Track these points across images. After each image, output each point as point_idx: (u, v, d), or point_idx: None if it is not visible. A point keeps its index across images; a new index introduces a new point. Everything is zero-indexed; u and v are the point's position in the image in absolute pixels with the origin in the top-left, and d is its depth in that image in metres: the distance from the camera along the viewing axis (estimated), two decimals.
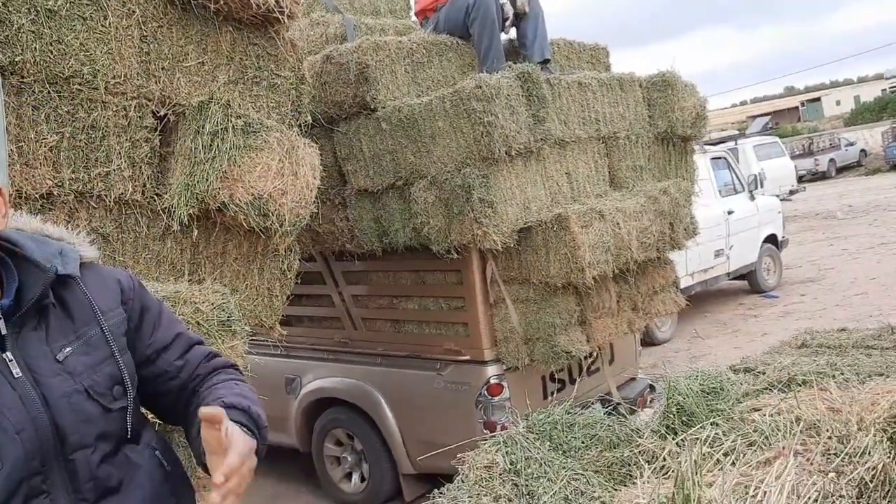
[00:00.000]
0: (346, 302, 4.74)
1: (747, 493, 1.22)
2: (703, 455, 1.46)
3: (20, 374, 1.22)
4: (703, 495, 1.13)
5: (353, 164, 4.04)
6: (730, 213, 8.78)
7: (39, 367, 1.24)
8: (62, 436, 1.23)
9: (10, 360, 1.22)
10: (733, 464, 1.41)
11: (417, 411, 4.27)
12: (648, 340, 7.62)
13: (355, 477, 4.94)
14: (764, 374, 1.80)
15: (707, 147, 9.25)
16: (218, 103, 2.68)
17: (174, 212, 2.63)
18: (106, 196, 2.54)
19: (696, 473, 1.15)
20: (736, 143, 14.05)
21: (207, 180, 2.60)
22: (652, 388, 5.15)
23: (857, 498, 1.21)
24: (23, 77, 2.35)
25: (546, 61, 4.37)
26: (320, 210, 3.14)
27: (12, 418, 1.18)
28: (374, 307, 4.65)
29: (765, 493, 1.21)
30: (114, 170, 2.55)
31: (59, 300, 1.31)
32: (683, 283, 6.38)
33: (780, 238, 9.99)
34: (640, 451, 1.58)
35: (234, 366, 1.57)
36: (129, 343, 1.40)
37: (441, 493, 1.50)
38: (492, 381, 4.00)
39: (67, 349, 1.28)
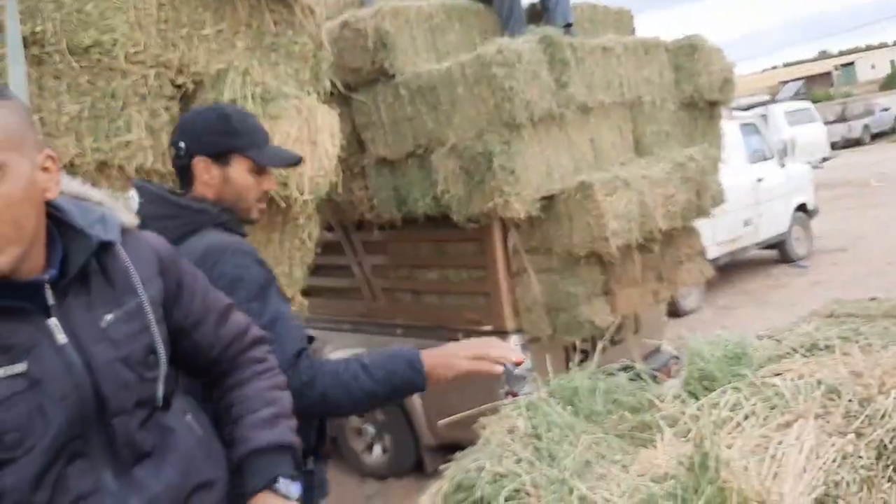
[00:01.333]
0: (366, 272, 4.74)
1: (766, 454, 1.20)
2: (724, 418, 1.45)
3: (65, 341, 1.23)
4: (721, 454, 1.12)
5: (372, 132, 4.02)
6: (759, 180, 8.62)
7: (83, 334, 1.25)
8: (103, 402, 1.25)
9: (56, 327, 1.23)
10: (753, 427, 1.39)
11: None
12: (674, 311, 7.56)
13: (377, 448, 4.98)
14: (787, 339, 1.77)
15: (736, 113, 9.08)
16: (236, 71, 2.68)
17: None
18: (127, 165, 2.55)
19: (716, 433, 1.14)
20: (766, 109, 13.80)
21: None
22: (677, 358, 5.11)
23: (876, 459, 1.19)
24: (44, 47, 2.36)
25: (569, 25, 4.30)
26: (340, 179, 3.13)
27: (57, 385, 1.20)
28: (394, 277, 4.65)
29: (784, 453, 1.19)
30: (134, 139, 2.56)
31: (101, 267, 1.32)
32: (710, 253, 6.30)
33: (810, 206, 9.81)
34: (661, 416, 1.56)
35: (261, 339, 1.57)
36: (165, 313, 1.41)
37: (463, 455, 1.50)
38: None
39: (109, 317, 1.29)
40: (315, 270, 3.48)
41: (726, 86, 4.89)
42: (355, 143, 4.08)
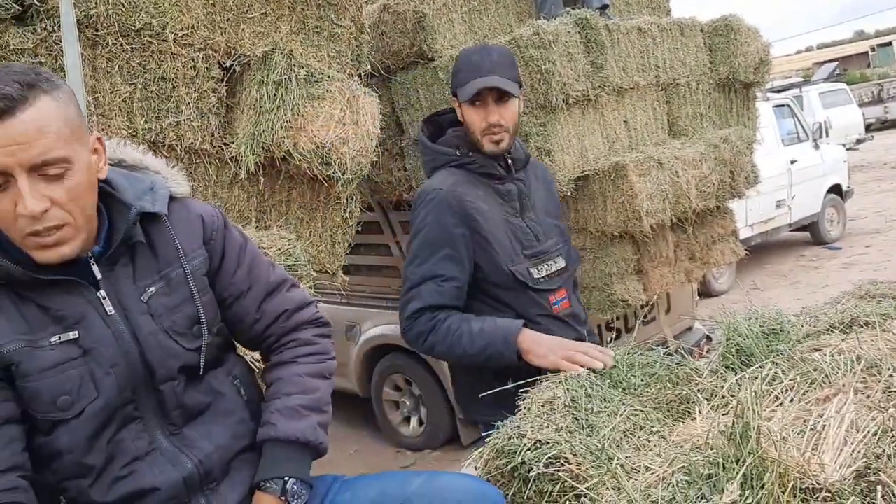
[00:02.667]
0: (404, 251, 4.82)
1: (806, 427, 1.25)
2: (763, 392, 1.49)
3: (112, 312, 1.29)
4: (763, 425, 1.16)
5: (411, 113, 4.07)
6: (793, 162, 8.54)
7: (129, 305, 1.31)
8: (150, 369, 1.31)
9: (104, 298, 1.29)
10: (792, 400, 1.43)
11: None
12: (706, 291, 7.55)
13: (413, 421, 5.09)
14: (825, 316, 1.80)
15: (770, 94, 8.98)
16: (281, 53, 2.74)
17: (241, 160, 2.72)
18: (177, 145, 2.64)
19: (757, 404, 1.19)
20: (801, 91, 13.58)
21: (272, 129, 2.68)
22: (708, 338, 5.14)
23: None
24: (97, 30, 2.44)
25: (605, 7, 4.29)
26: (379, 160, 3.20)
27: (106, 353, 1.27)
28: None
29: (823, 426, 1.23)
30: (184, 120, 2.64)
31: (147, 237, 1.36)
32: (743, 234, 6.28)
33: (844, 188, 9.69)
34: (699, 390, 1.60)
35: (312, 320, 1.56)
36: (209, 283, 1.44)
37: (504, 423, 1.56)
38: None
39: (151, 289, 1.33)
40: (354, 249, 3.56)
41: (762, 67, 4.86)
42: (394, 124, 4.13)
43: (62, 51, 2.28)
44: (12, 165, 1.14)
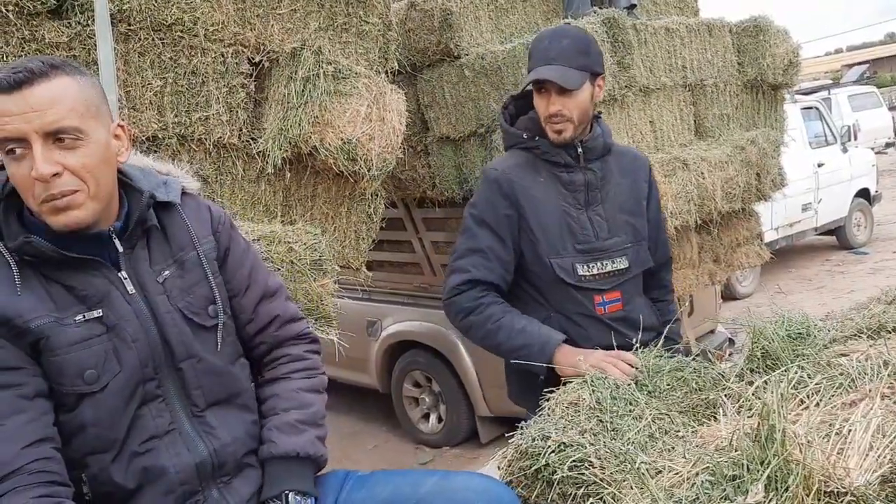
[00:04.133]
0: (426, 248, 4.84)
1: (832, 430, 1.24)
2: (788, 395, 1.48)
3: (133, 291, 1.36)
4: (788, 428, 1.16)
5: (436, 111, 4.08)
6: (820, 165, 8.44)
7: (147, 286, 1.38)
8: (170, 347, 1.37)
9: (125, 279, 1.36)
10: (818, 404, 1.43)
11: (495, 356, 4.35)
12: (729, 294, 7.50)
13: (433, 417, 5.11)
14: (852, 321, 1.79)
15: (798, 97, 8.88)
16: (310, 50, 2.76)
17: (268, 155, 2.74)
18: (206, 139, 2.67)
19: (782, 407, 1.18)
20: (829, 93, 13.40)
21: (300, 125, 2.70)
22: (731, 341, 5.11)
23: None
24: (130, 24, 2.47)
25: (632, 6, 4.27)
26: (404, 157, 3.22)
27: (129, 329, 1.33)
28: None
29: (849, 430, 1.23)
30: (213, 114, 2.67)
31: (161, 225, 1.44)
32: (767, 237, 6.23)
33: (872, 192, 9.57)
34: (725, 393, 1.60)
35: (302, 335, 1.62)
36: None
37: (528, 423, 1.56)
38: None
39: (165, 272, 1.41)
40: (377, 245, 3.58)
41: (791, 69, 4.82)
42: (419, 121, 4.15)
43: (95, 45, 2.32)
44: (28, 132, 1.21)
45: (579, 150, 2.07)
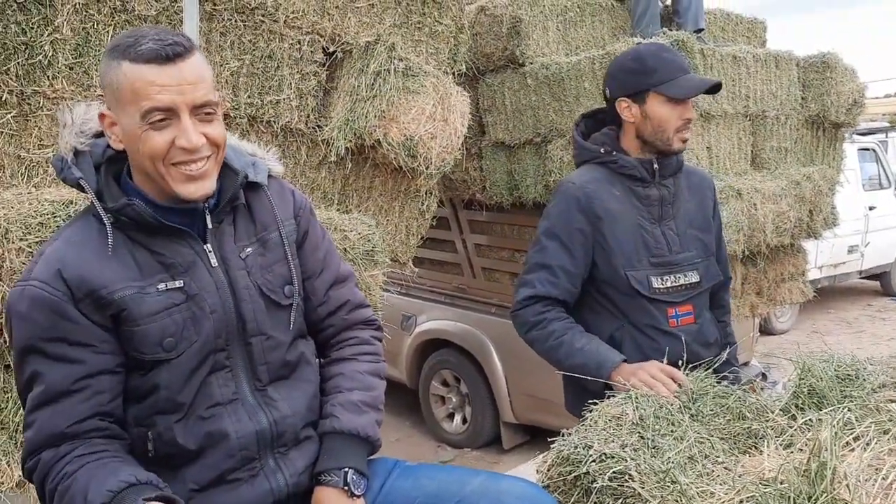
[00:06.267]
0: (469, 250, 4.87)
1: (878, 475, 1.25)
2: (834, 435, 1.48)
3: (216, 264, 1.41)
4: (839, 467, 1.17)
5: (494, 116, 4.12)
6: (871, 208, 8.31)
7: (230, 260, 1.42)
8: (243, 321, 1.42)
9: (210, 252, 1.40)
10: (864, 448, 1.43)
11: (526, 364, 4.38)
12: (766, 329, 7.41)
13: (457, 418, 5.14)
14: None
15: (855, 137, 8.73)
16: (383, 45, 2.81)
17: (332, 144, 2.79)
18: (274, 122, 2.73)
19: (835, 445, 1.19)
20: (886, 136, 13.15)
21: (366, 117, 2.75)
22: (764, 376, 5.05)
23: None
24: (215, 4, 2.54)
25: (700, 30, 4.26)
26: (462, 158, 3.26)
27: (209, 299, 1.38)
28: (495, 258, 4.77)
29: None
30: (283, 99, 2.73)
31: (248, 203, 1.48)
32: (810, 276, 6.14)
33: None
34: (769, 426, 1.61)
35: (370, 321, 1.66)
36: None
37: (570, 432, 1.59)
38: None
39: (248, 249, 1.45)
40: (421, 242, 3.63)
41: (854, 108, 4.76)
42: (476, 124, 4.18)
43: (182, 21, 2.39)
44: (179, 104, 1.27)
45: (655, 165, 2.11)
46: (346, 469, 1.42)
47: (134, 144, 1.30)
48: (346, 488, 1.41)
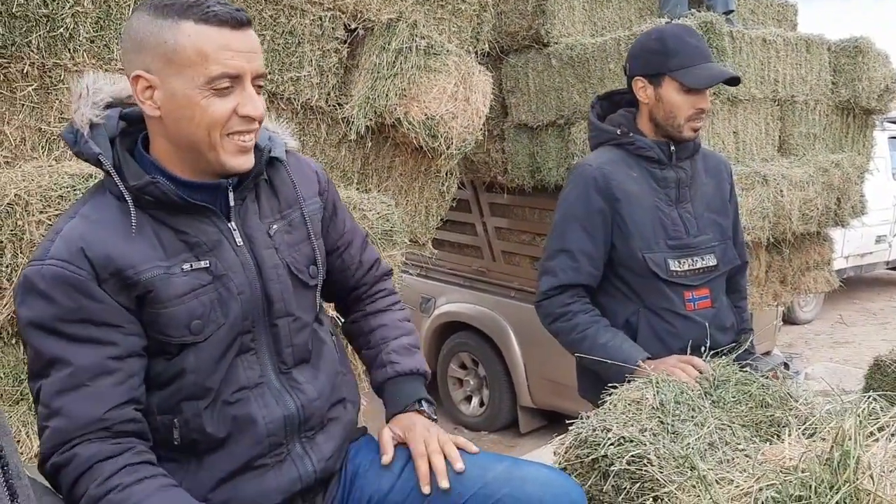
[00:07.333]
0: (489, 233, 4.84)
1: None
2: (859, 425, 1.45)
3: (241, 243, 1.35)
4: (863, 456, 1.14)
5: (517, 97, 4.07)
6: None
7: (255, 238, 1.38)
8: (270, 302, 1.37)
9: (234, 230, 1.35)
10: (889, 438, 1.39)
11: (545, 348, 4.34)
12: (789, 318, 7.32)
13: (475, 401, 5.13)
14: None
15: (887, 124, 8.56)
16: (406, 22, 2.78)
17: (352, 122, 2.77)
18: (294, 99, 2.71)
19: (860, 434, 1.16)
20: None
21: (387, 96, 2.72)
22: (786, 365, 5.00)
23: None
24: None
25: (730, 11, 4.18)
26: (484, 139, 3.23)
27: (236, 280, 1.33)
28: (515, 241, 4.73)
29: None
30: (304, 75, 2.71)
31: (268, 179, 1.44)
32: (836, 265, 6.04)
33: None
34: (792, 414, 1.58)
35: (390, 272, 1.73)
36: (322, 230, 1.52)
37: (588, 415, 1.56)
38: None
39: (275, 226, 1.41)
40: (441, 223, 3.61)
41: (886, 94, 4.65)
42: (499, 106, 4.14)
43: None
44: (246, 71, 1.23)
45: (672, 147, 2.08)
46: (420, 399, 1.53)
47: (186, 111, 1.23)
48: (419, 410, 1.51)
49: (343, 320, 1.73)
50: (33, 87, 2.18)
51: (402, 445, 1.48)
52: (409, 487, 1.41)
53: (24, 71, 2.14)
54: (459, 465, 1.40)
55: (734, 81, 2.04)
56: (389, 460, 1.45)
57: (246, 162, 1.30)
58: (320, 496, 1.45)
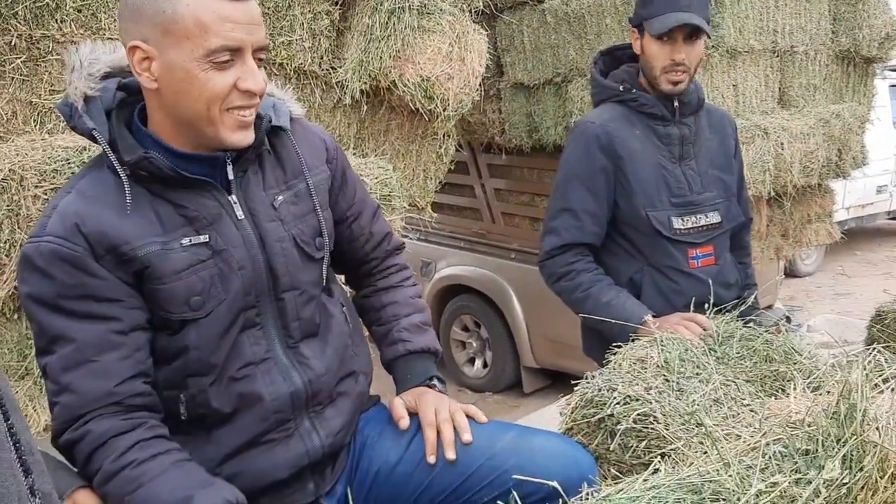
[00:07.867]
0: (488, 195, 4.82)
1: None
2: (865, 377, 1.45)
3: (243, 217, 1.33)
4: (869, 409, 1.14)
5: (513, 55, 4.01)
6: None
7: (258, 211, 1.35)
8: (275, 276, 1.35)
9: (235, 203, 1.32)
10: (893, 390, 1.40)
11: (546, 308, 4.34)
12: (790, 271, 7.32)
13: (478, 362, 5.16)
14: None
15: (888, 73, 8.46)
16: None
17: (347, 86, 2.73)
18: (287, 65, 2.67)
19: (866, 386, 1.16)
20: None
21: (381, 58, 2.68)
22: (788, 319, 5.01)
23: None
24: None
25: None
26: (480, 100, 3.19)
27: (236, 255, 1.31)
28: (514, 202, 4.71)
29: None
30: (296, 39, 2.66)
31: (273, 150, 1.40)
32: (837, 217, 6.03)
33: None
34: (796, 368, 1.58)
35: (402, 246, 1.71)
36: (330, 200, 1.49)
37: (594, 375, 1.56)
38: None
39: (280, 197, 1.38)
40: (440, 187, 3.58)
41: (887, 42, 4.58)
42: (494, 65, 4.08)
43: None
44: (247, 43, 1.20)
45: (675, 103, 2.05)
46: (433, 377, 1.54)
47: (184, 84, 1.19)
48: (431, 386, 1.53)
49: (354, 293, 1.72)
50: (22, 59, 2.14)
51: (412, 416, 1.48)
52: (416, 459, 1.41)
53: (12, 43, 2.10)
54: (467, 436, 1.39)
55: (696, 30, 1.97)
56: (407, 424, 1.45)
57: (246, 137, 1.26)
58: (329, 468, 1.45)
